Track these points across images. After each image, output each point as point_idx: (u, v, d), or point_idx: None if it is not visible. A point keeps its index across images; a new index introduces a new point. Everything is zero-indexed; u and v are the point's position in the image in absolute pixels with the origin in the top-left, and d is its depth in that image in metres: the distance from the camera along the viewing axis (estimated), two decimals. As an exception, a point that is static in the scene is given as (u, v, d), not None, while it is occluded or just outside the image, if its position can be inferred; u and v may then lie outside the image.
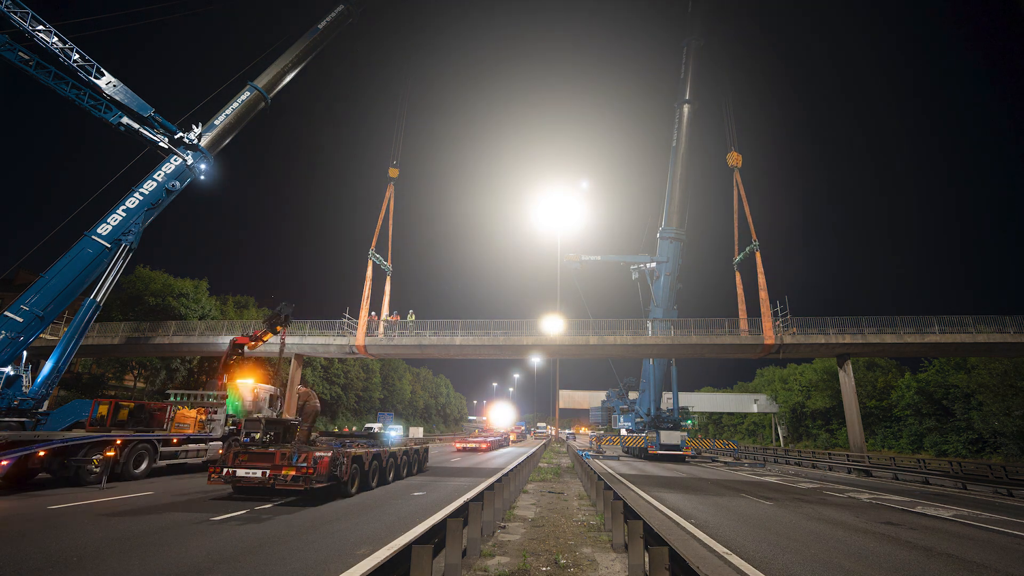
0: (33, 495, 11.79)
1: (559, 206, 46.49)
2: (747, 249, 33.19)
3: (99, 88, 22.01)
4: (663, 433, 35.61)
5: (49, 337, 28.43)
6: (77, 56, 21.45)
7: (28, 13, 20.25)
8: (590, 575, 6.50)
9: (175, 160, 24.12)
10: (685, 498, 14.71)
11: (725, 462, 35.56)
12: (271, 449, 11.96)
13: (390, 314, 34.89)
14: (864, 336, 29.16)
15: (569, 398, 74.45)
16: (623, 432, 43.25)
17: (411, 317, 32.94)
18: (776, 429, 62.07)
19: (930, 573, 7.26)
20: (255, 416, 17.12)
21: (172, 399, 20.44)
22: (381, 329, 33.26)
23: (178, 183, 24.04)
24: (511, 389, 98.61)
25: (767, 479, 22.49)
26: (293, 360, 34.33)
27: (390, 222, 37.87)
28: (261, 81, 28.12)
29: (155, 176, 23.62)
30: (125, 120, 22.85)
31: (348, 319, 32.66)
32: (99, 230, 21.86)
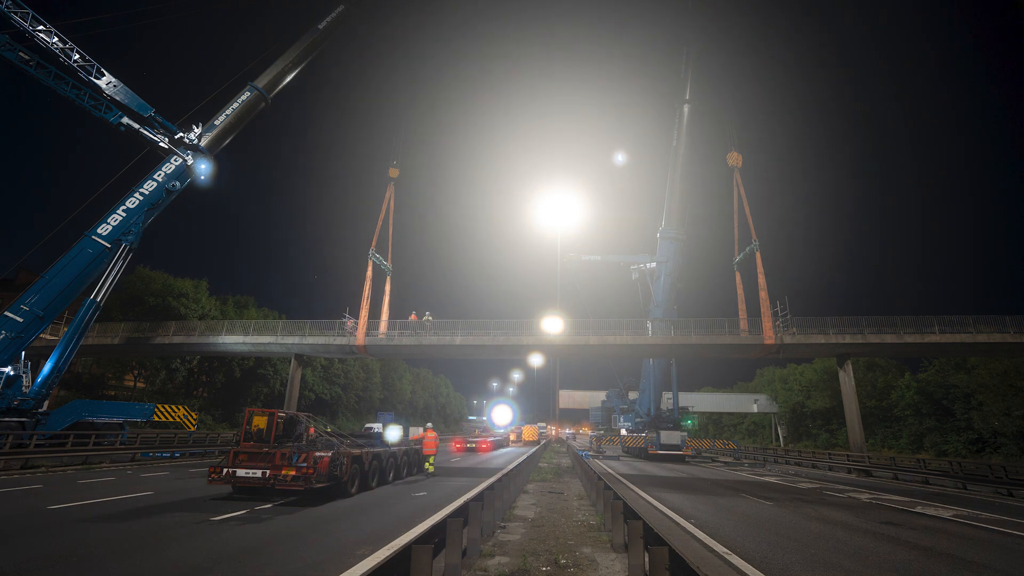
0: (33, 494, 11.80)
1: (559, 206, 46.48)
2: (747, 249, 33.17)
3: (99, 88, 22.03)
4: (663, 433, 35.59)
5: (49, 337, 28.44)
6: (77, 56, 21.47)
7: (28, 13, 20.26)
8: (590, 575, 6.50)
9: (175, 160, 24.12)
10: (685, 498, 14.71)
11: (725, 462, 35.56)
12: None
13: (389, 316, 34.86)
14: (864, 336, 29.14)
15: (569, 398, 74.40)
16: (623, 432, 43.24)
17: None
18: (776, 429, 62.04)
19: (930, 573, 7.26)
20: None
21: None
22: (383, 328, 33.27)
23: (178, 183, 24.05)
24: (511, 389, 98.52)
25: (767, 479, 22.49)
26: (293, 360, 34.34)
27: (390, 222, 37.88)
28: (261, 81, 28.12)
29: (155, 176, 23.63)
30: (125, 120, 22.87)
31: (348, 319, 32.66)
32: (99, 230, 21.87)
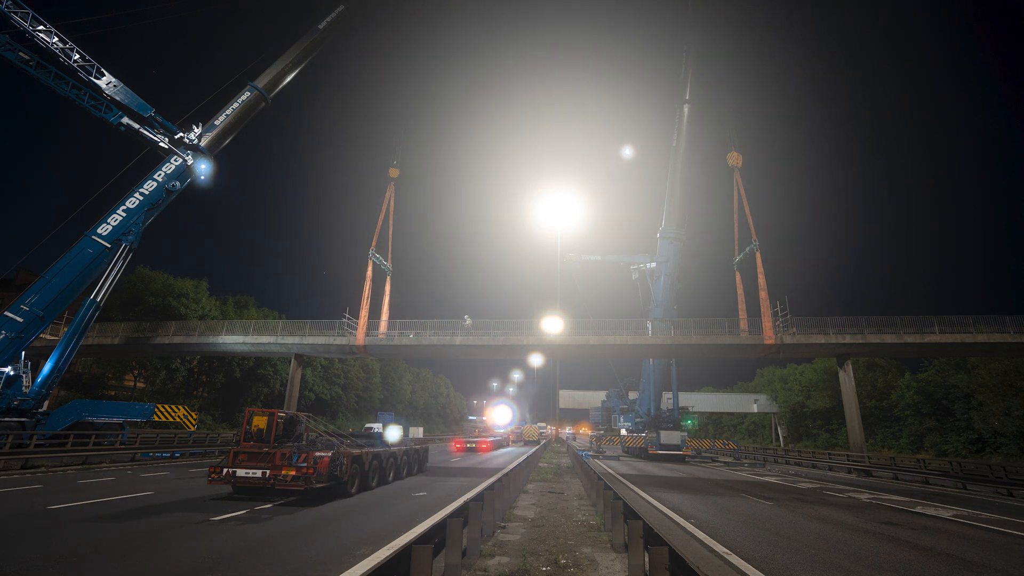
0: (33, 494, 11.80)
1: (559, 206, 46.50)
2: (747, 249, 33.18)
3: (99, 88, 22.03)
4: (663, 433, 35.60)
5: (49, 337, 28.44)
6: (77, 56, 21.47)
7: (28, 13, 20.26)
8: (590, 575, 6.50)
9: (175, 160, 24.12)
10: (685, 498, 14.72)
11: (725, 462, 35.56)
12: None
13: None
14: (864, 336, 29.15)
15: (569, 398, 74.37)
16: (623, 432, 43.23)
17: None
18: (776, 429, 62.03)
19: (930, 573, 7.26)
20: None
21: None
22: (383, 328, 33.29)
23: (178, 183, 24.05)
24: (511, 389, 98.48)
25: (767, 479, 22.49)
26: (293, 360, 34.34)
27: (390, 222, 37.94)
28: (261, 81, 28.12)
29: (155, 176, 23.62)
30: (125, 120, 22.87)
31: (348, 319, 32.67)
32: (99, 230, 21.87)
